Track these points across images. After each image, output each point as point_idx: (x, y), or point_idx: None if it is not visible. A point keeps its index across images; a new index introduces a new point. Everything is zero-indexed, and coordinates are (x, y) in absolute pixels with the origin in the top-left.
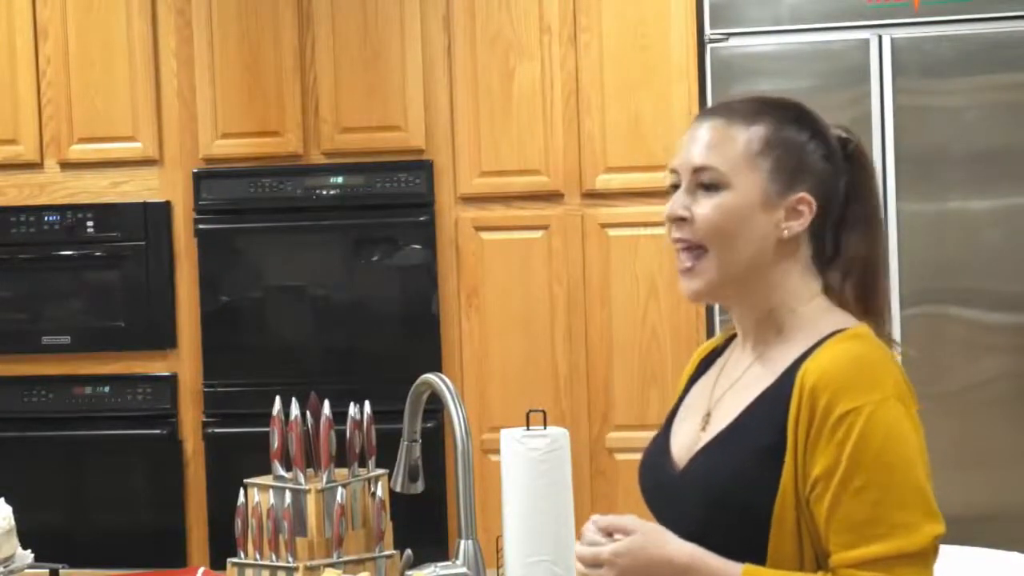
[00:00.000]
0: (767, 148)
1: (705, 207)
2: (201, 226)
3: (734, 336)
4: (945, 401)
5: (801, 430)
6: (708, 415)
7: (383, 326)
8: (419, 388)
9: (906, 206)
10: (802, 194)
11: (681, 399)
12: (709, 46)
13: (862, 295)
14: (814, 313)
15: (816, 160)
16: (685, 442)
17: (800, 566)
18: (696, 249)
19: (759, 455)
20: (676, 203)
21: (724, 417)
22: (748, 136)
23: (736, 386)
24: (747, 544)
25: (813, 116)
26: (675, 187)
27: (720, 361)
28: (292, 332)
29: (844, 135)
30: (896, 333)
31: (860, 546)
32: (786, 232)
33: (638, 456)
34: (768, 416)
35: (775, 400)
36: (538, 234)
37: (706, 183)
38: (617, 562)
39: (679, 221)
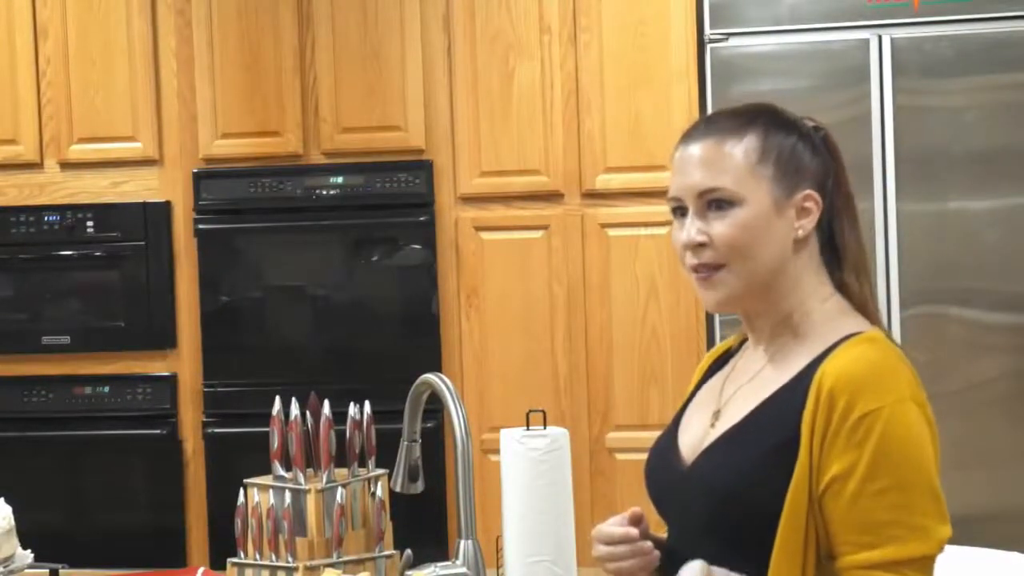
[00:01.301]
0: (764, 155)
1: (722, 227)
2: (201, 226)
3: (747, 338)
4: (945, 401)
5: (817, 431)
6: (718, 413)
7: (383, 326)
8: (419, 388)
9: (906, 206)
10: (807, 191)
11: (691, 398)
12: (709, 46)
13: (865, 290)
14: (829, 315)
15: (808, 157)
16: (693, 439)
17: (803, 564)
18: (716, 268)
19: (769, 453)
20: (691, 229)
21: (734, 415)
22: (744, 148)
23: (748, 385)
24: (752, 540)
25: (790, 116)
26: (676, 212)
27: (732, 361)
28: (292, 332)
29: (814, 124)
30: (896, 333)
31: (877, 547)
32: (800, 232)
33: (638, 456)
34: (780, 415)
35: (788, 400)
36: (538, 234)
37: (716, 203)
38: None
39: (697, 247)
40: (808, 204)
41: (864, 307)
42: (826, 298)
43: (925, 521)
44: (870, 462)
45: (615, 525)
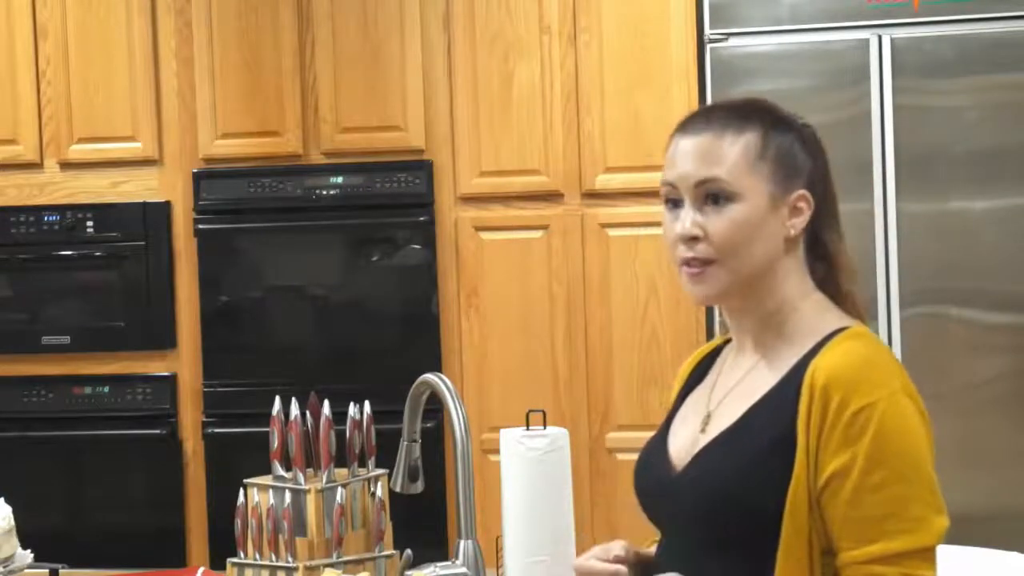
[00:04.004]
0: (763, 151)
1: (719, 222)
2: (201, 226)
3: (727, 341)
4: (945, 401)
5: (813, 429)
6: (708, 417)
7: (383, 326)
8: (419, 388)
9: (906, 206)
10: (800, 191)
11: (677, 405)
12: (709, 46)
13: (848, 289)
14: (814, 312)
15: (802, 156)
16: (684, 444)
17: (810, 563)
18: (707, 263)
19: (764, 454)
20: (685, 221)
21: (726, 418)
22: (744, 143)
23: (738, 388)
24: (749, 541)
25: (785, 113)
26: (670, 202)
27: (716, 365)
28: (292, 332)
29: (803, 122)
30: (896, 333)
31: (877, 541)
32: (792, 231)
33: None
34: (773, 416)
35: (781, 400)
36: (538, 234)
37: (713, 195)
38: None
39: (691, 240)
40: (801, 204)
41: (846, 304)
42: (809, 295)
43: (924, 512)
44: (867, 456)
45: (598, 558)
